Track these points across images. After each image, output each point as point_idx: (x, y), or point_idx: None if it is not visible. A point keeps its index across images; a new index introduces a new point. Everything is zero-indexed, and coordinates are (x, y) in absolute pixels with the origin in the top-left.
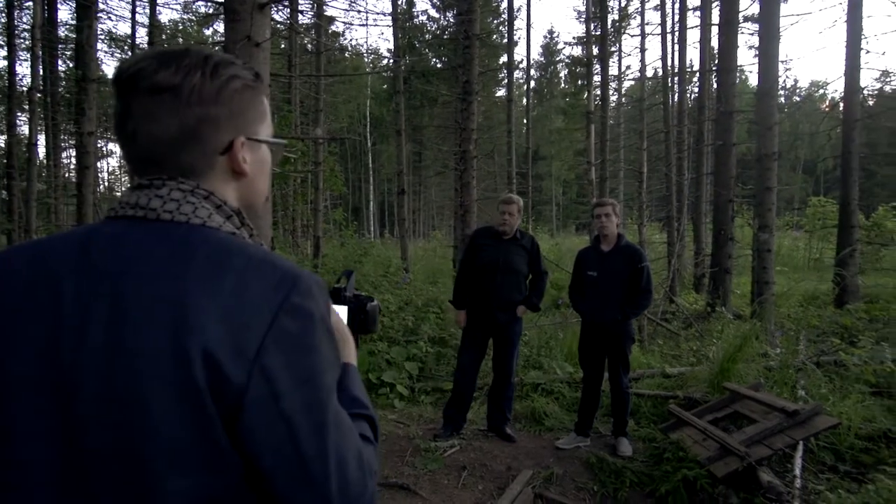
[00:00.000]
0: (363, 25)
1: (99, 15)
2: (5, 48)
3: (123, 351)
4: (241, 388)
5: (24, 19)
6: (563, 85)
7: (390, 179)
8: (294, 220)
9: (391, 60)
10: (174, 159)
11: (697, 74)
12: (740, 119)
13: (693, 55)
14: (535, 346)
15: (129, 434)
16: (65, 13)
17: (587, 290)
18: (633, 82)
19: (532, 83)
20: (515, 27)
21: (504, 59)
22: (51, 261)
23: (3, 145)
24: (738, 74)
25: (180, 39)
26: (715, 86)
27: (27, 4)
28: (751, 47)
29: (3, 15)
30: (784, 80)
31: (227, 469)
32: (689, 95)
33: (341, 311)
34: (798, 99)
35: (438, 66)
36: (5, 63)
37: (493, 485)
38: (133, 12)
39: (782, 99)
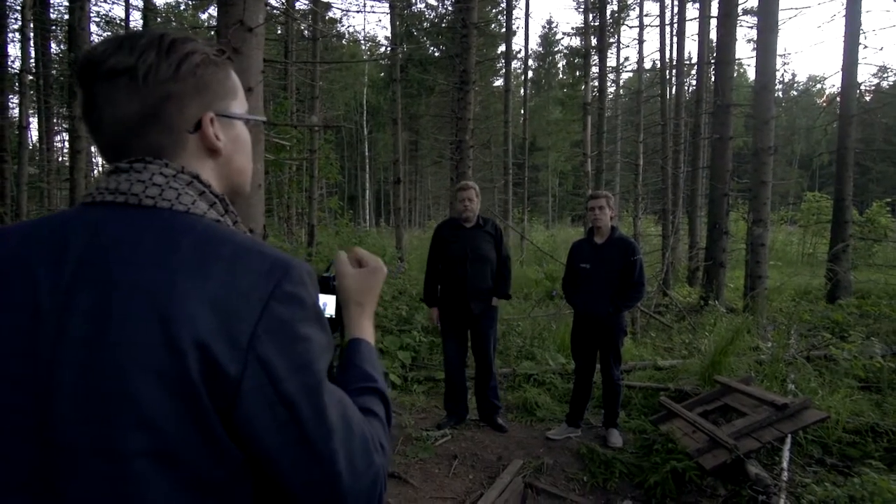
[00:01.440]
0: (360, 12)
1: None
2: None
3: (108, 344)
4: (237, 378)
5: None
6: (561, 76)
7: (387, 168)
8: (289, 209)
9: (388, 48)
10: (141, 142)
11: (695, 67)
12: (737, 113)
13: (691, 48)
14: (528, 337)
15: (113, 430)
16: None
17: (580, 283)
18: (631, 74)
19: (530, 74)
20: (514, 16)
21: (502, 48)
22: (24, 250)
23: None
24: (735, 68)
25: (174, 23)
26: (713, 79)
27: None
28: (749, 40)
29: None
30: (782, 75)
31: (223, 460)
32: (686, 88)
33: (329, 301)
34: (795, 93)
35: (436, 54)
36: None
37: (484, 474)
38: None
39: (780, 93)
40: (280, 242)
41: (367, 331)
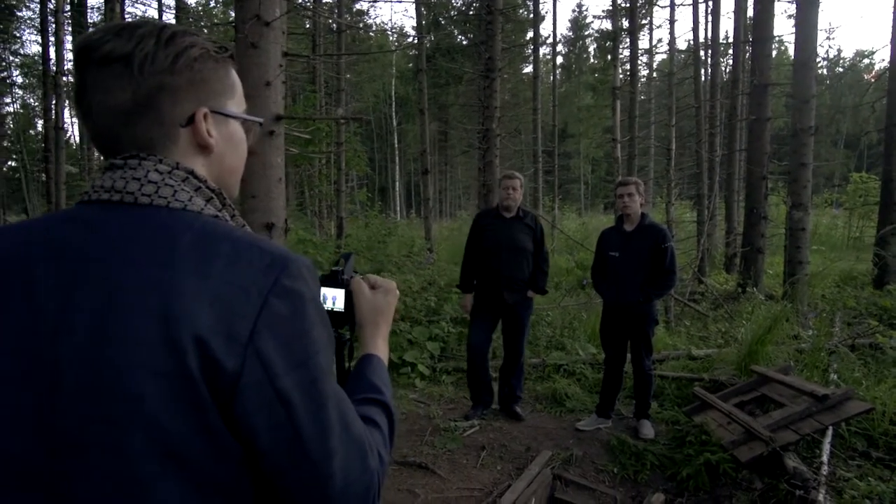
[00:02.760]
0: (387, 1)
1: None
2: (39, 34)
3: (110, 341)
4: (236, 373)
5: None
6: (592, 60)
7: (416, 159)
8: (320, 202)
9: (415, 38)
10: (130, 132)
11: (731, 46)
12: (777, 92)
13: (727, 26)
14: (559, 327)
15: (118, 430)
16: None
17: (609, 271)
18: (664, 56)
19: (560, 59)
20: (541, 1)
21: (531, 34)
22: (23, 249)
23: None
24: (775, 45)
25: (205, 21)
26: (750, 58)
27: None
28: (790, 16)
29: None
30: (826, 51)
31: (225, 457)
32: (724, 69)
33: (338, 295)
34: (841, 69)
35: (464, 43)
36: (40, 48)
37: (512, 465)
38: None
39: (824, 70)
40: (309, 235)
41: (381, 349)
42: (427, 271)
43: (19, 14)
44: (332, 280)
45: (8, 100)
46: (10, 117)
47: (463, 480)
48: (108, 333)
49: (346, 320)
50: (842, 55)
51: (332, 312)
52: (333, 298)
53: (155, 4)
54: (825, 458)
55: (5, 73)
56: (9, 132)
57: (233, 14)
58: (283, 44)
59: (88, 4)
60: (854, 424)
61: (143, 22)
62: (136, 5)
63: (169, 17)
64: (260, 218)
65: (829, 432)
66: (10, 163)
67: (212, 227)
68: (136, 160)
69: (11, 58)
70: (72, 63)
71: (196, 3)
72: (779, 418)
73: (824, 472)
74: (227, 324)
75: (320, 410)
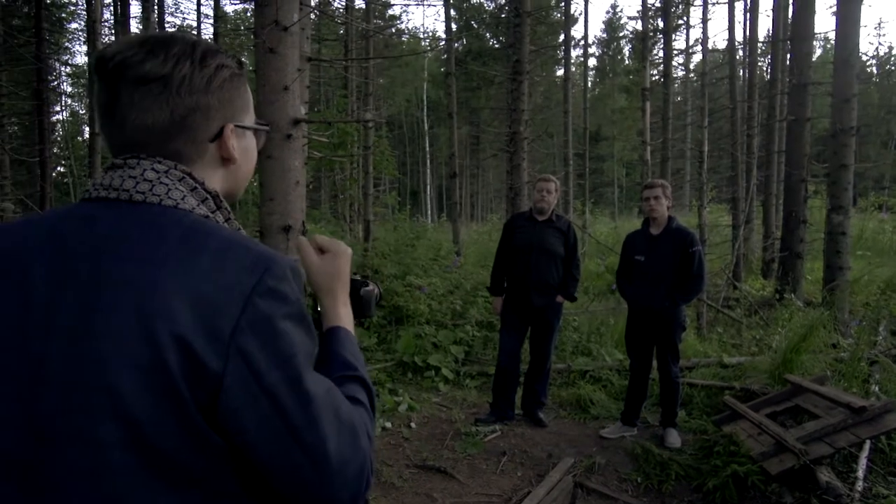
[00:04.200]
0: (418, 5)
1: (165, 6)
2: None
3: (92, 335)
4: (219, 371)
5: (107, 15)
6: (626, 62)
7: (447, 163)
8: (351, 206)
9: (443, 42)
10: (163, 147)
11: (770, 44)
12: (819, 92)
13: (765, 24)
14: (585, 332)
15: (94, 421)
16: (137, 9)
17: (635, 275)
18: (701, 56)
19: (594, 61)
20: (574, 3)
21: (562, 37)
22: (22, 245)
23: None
24: (819, 43)
25: (243, 29)
26: (789, 56)
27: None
28: (834, 13)
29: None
30: (876, 48)
31: (204, 449)
32: (765, 68)
33: None
34: (891, 68)
35: (496, 46)
36: (86, 59)
37: (533, 472)
38: (198, 4)
39: (873, 68)
40: (338, 238)
41: (343, 318)
42: (453, 275)
43: (68, 26)
44: None
45: (57, 108)
46: (59, 125)
47: (482, 486)
48: (91, 328)
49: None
50: (893, 52)
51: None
52: None
53: (193, 15)
54: (861, 474)
55: (56, 83)
56: (58, 139)
57: None
58: (307, 48)
59: (131, 13)
60: (895, 438)
61: (172, 38)
62: (174, 15)
63: (208, 27)
64: (277, 221)
65: (867, 446)
66: (59, 168)
67: (200, 225)
68: (136, 160)
69: (62, 68)
70: (96, 72)
71: (234, 11)
72: (812, 430)
73: (859, 489)
74: (209, 321)
75: (308, 401)
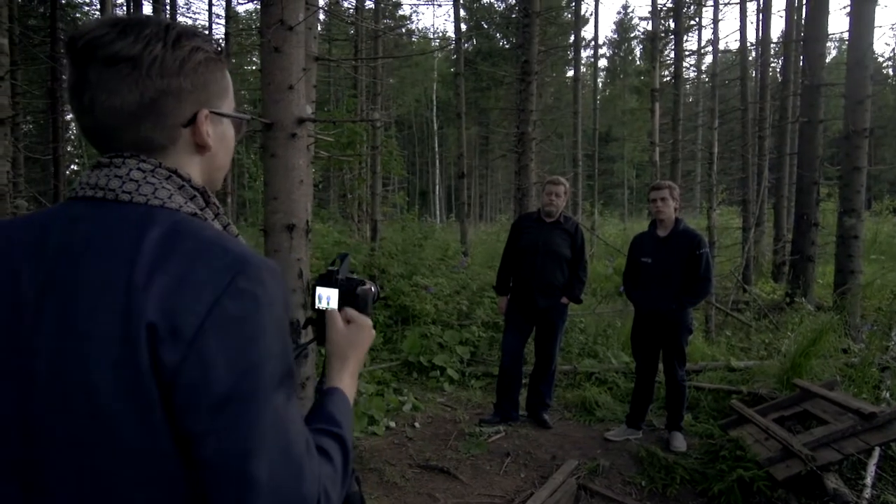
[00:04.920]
0: (428, 5)
1: (177, 6)
2: None
3: (75, 335)
4: (174, 369)
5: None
6: (637, 62)
7: (456, 163)
8: (360, 205)
9: (452, 42)
10: (133, 132)
11: (782, 45)
12: (833, 93)
13: (778, 25)
14: (592, 334)
15: (80, 420)
16: (148, 9)
17: (641, 278)
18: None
19: (604, 62)
20: (585, 4)
21: (573, 38)
22: (12, 244)
23: None
24: (831, 44)
25: (255, 28)
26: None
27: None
28: (847, 14)
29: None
30: (893, 49)
31: (167, 454)
32: (777, 69)
33: (332, 295)
34: None
35: (506, 47)
36: None
37: (536, 473)
38: (210, 3)
39: (889, 70)
40: (346, 238)
41: (346, 384)
42: (460, 275)
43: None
44: (328, 280)
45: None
46: (73, 123)
47: (485, 487)
48: (74, 328)
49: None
50: None
51: (325, 312)
52: (328, 298)
53: (205, 15)
54: (869, 481)
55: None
56: (71, 137)
57: None
58: (314, 48)
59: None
60: None
61: (145, 20)
62: (186, 15)
63: (219, 27)
64: (281, 219)
65: (876, 453)
66: (72, 166)
67: (182, 225)
68: (121, 159)
69: None
70: (66, 52)
71: (245, 11)
72: (820, 436)
73: (867, 496)
74: (175, 320)
75: (252, 426)
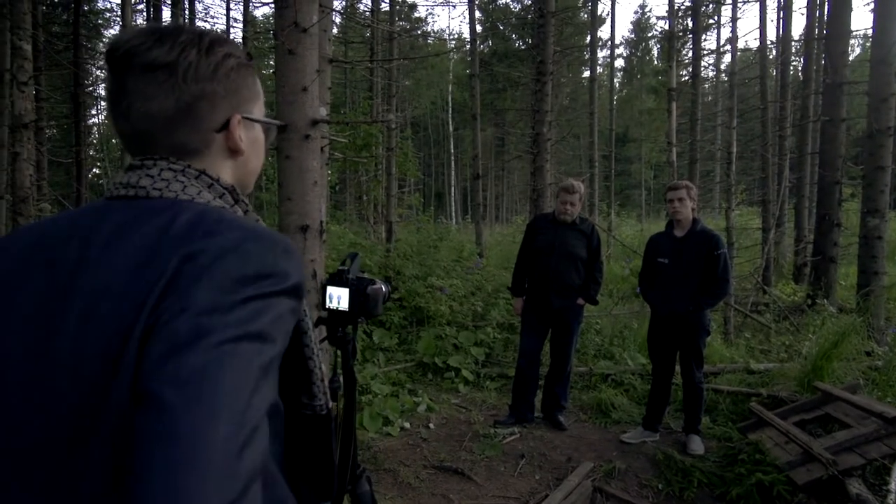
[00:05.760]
0: (443, 5)
1: (195, 12)
2: None
3: (90, 327)
4: (136, 355)
5: (140, 21)
6: (655, 62)
7: (471, 164)
8: (376, 207)
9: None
10: (169, 137)
11: (803, 43)
12: (857, 92)
13: (799, 22)
14: (608, 336)
15: (83, 418)
16: (168, 14)
17: (658, 279)
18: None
19: (621, 62)
20: (601, 3)
21: (589, 38)
22: (46, 240)
23: None
24: (855, 41)
25: (272, 32)
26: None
27: (139, 7)
28: (871, 10)
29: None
30: None
31: None
32: (798, 67)
33: (343, 294)
34: None
35: (522, 48)
36: None
37: (551, 475)
38: (228, 8)
39: None
40: (361, 239)
41: None
42: (475, 276)
43: (105, 33)
44: (338, 279)
45: (93, 111)
46: (95, 128)
47: (499, 488)
48: (93, 316)
49: (349, 319)
50: None
51: (336, 311)
52: (338, 297)
53: (223, 20)
54: (894, 486)
55: (92, 87)
56: (94, 141)
57: None
58: (329, 50)
59: (163, 19)
60: None
61: (180, 28)
62: (204, 20)
63: (237, 30)
64: (295, 220)
65: None
66: (94, 170)
67: (209, 210)
68: (152, 160)
69: (98, 72)
70: (106, 62)
71: (262, 15)
72: (843, 440)
73: (891, 501)
74: (160, 305)
75: (170, 443)
